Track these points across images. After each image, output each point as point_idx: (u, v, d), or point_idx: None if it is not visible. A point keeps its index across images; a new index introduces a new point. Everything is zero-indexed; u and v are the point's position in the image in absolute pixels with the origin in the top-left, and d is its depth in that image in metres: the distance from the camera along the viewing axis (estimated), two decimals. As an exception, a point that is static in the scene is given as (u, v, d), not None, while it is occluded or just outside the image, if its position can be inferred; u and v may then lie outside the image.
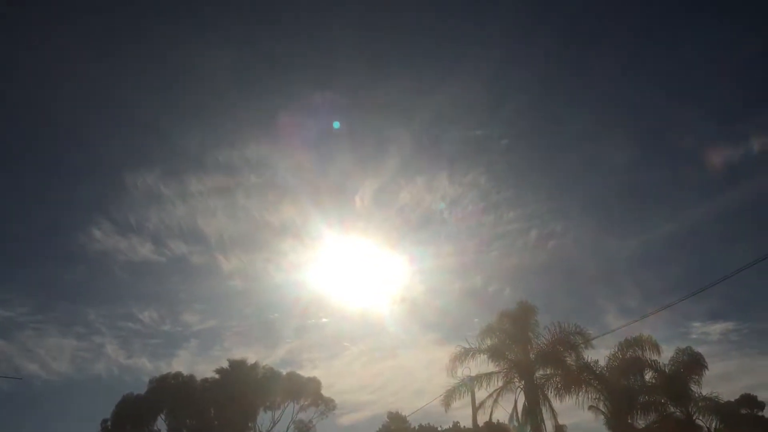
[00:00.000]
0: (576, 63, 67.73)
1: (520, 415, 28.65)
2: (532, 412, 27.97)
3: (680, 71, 63.53)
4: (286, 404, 47.00)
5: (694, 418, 30.01)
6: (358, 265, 59.79)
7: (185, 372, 48.04)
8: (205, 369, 73.64)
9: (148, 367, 70.77)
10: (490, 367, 29.43)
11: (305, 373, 49.58)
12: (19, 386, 54.64)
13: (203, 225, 67.42)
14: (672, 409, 30.26)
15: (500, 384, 29.26)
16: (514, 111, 68.08)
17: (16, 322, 59.88)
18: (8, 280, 66.22)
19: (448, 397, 29.83)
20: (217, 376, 46.62)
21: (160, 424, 45.84)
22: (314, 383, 47.96)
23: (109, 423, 44.99)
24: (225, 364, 47.09)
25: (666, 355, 30.79)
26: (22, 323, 60.60)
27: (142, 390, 46.33)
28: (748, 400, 41.03)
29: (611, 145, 63.81)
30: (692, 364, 30.56)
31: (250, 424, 46.32)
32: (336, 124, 56.87)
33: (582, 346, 28.45)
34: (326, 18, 61.05)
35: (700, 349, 31.77)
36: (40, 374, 59.41)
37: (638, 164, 68.20)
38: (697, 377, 30.25)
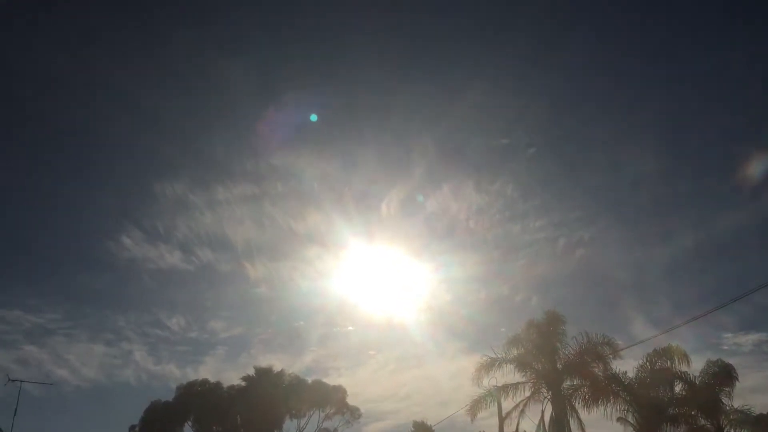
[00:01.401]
0: (603, 70, 67.25)
1: (547, 426, 28.44)
2: (560, 423, 27.78)
3: (711, 78, 62.61)
4: (311, 412, 47.43)
5: (725, 431, 29.53)
6: (383, 273, 59.89)
7: (212, 379, 48.90)
8: (231, 376, 73.90)
9: (175, 374, 71.73)
10: (517, 377, 29.37)
11: (330, 381, 50.01)
12: (50, 391, 55.51)
13: (230, 233, 68.17)
14: (702, 422, 29.73)
15: (527, 394, 29.12)
16: (540, 119, 67.97)
17: (46, 328, 61.25)
18: (39, 287, 67.88)
19: (474, 407, 29.77)
20: (243, 383, 47.22)
21: (187, 430, 46.59)
22: (340, 391, 48.20)
23: (137, 429, 45.81)
24: (251, 372, 47.81)
25: (696, 366, 30.27)
26: (52, 329, 61.92)
27: (169, 396, 47.20)
28: (781, 413, 40.04)
29: (640, 153, 62.93)
30: (723, 375, 29.96)
31: (275, 432, 46.70)
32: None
33: (610, 356, 28.24)
34: (349, 24, 61.59)
35: (731, 360, 31.16)
36: (70, 380, 60.50)
37: (667, 172, 67.20)
38: (728, 389, 29.64)
